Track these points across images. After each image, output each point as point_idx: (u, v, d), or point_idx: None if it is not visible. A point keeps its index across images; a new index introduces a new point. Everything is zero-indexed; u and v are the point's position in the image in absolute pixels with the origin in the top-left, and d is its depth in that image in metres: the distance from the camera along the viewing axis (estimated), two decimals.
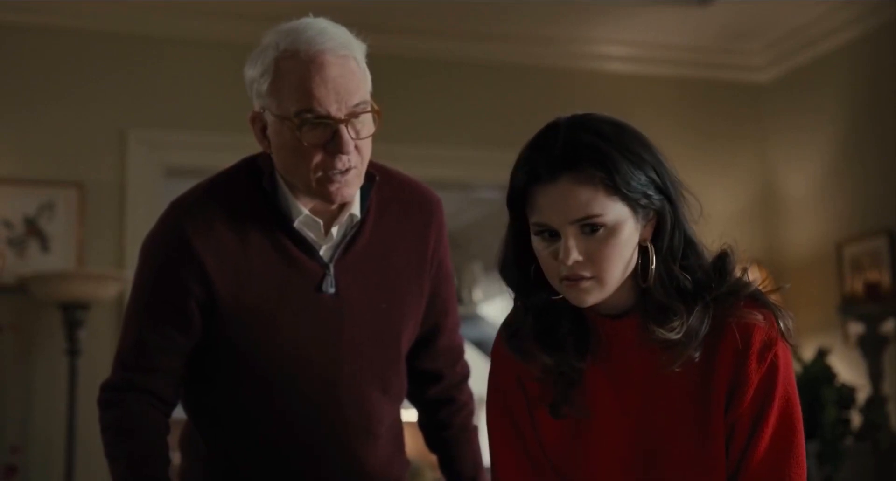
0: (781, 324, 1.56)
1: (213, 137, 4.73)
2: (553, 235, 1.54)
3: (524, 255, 1.60)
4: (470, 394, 2.14)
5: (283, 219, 1.86)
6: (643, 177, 1.53)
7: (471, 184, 5.25)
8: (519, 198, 1.57)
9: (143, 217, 4.66)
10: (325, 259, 1.88)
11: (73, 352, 4.32)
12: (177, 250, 1.84)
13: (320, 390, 1.88)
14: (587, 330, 1.62)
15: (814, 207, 5.14)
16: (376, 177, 1.93)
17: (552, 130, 1.56)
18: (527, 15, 4.96)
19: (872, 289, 4.50)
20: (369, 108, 1.82)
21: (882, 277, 4.60)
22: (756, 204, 5.33)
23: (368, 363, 1.92)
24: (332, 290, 1.88)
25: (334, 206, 1.87)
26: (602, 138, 1.52)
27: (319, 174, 1.80)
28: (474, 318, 8.27)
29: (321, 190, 1.82)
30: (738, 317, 1.56)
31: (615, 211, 1.52)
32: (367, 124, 1.82)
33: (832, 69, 5.06)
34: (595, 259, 1.52)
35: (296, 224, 1.86)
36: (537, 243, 1.56)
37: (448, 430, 2.10)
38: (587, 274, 1.53)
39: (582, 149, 1.51)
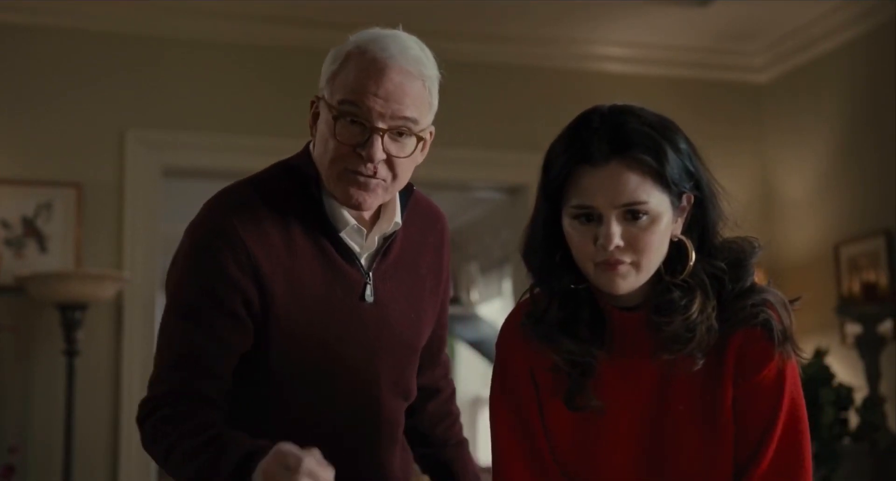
0: (789, 340, 1.58)
1: (212, 138, 4.69)
2: (591, 219, 1.54)
3: (551, 241, 1.60)
4: (458, 408, 2.12)
5: (327, 225, 1.80)
6: (684, 170, 1.56)
7: (469, 184, 5.24)
8: (559, 180, 1.56)
9: (141, 217, 4.67)
10: (365, 267, 1.84)
11: (70, 352, 4.32)
12: (230, 249, 1.73)
13: (355, 398, 1.85)
14: (603, 320, 1.62)
15: (812, 208, 5.14)
16: (414, 187, 1.90)
17: (595, 115, 1.57)
18: (527, 16, 4.96)
19: (870, 290, 4.50)
20: (415, 131, 1.75)
21: (879, 278, 4.60)
22: (754, 204, 5.33)
23: (398, 372, 1.89)
24: (371, 299, 1.83)
25: (360, 211, 1.81)
26: (651, 127, 1.55)
27: (341, 168, 1.74)
28: (472, 319, 8.25)
29: (341, 188, 1.76)
30: (748, 321, 1.57)
31: (659, 199, 1.54)
32: (406, 147, 1.76)
33: (831, 70, 5.07)
34: (636, 246, 1.54)
35: (342, 233, 1.80)
36: (572, 227, 1.56)
37: (446, 446, 2.07)
38: (626, 259, 1.54)
39: (634, 134, 1.53)
